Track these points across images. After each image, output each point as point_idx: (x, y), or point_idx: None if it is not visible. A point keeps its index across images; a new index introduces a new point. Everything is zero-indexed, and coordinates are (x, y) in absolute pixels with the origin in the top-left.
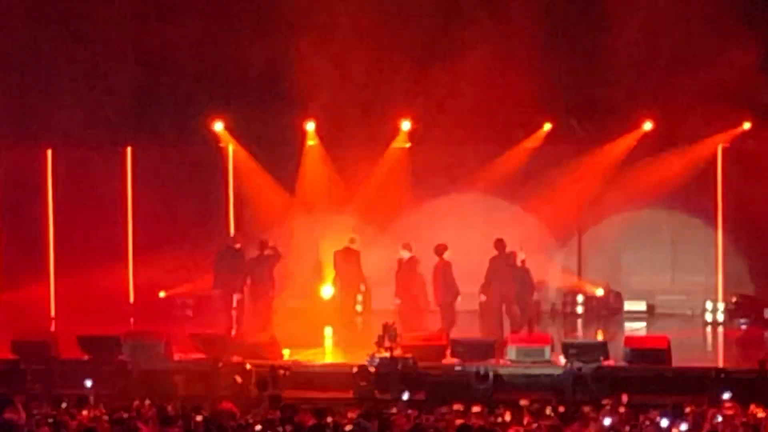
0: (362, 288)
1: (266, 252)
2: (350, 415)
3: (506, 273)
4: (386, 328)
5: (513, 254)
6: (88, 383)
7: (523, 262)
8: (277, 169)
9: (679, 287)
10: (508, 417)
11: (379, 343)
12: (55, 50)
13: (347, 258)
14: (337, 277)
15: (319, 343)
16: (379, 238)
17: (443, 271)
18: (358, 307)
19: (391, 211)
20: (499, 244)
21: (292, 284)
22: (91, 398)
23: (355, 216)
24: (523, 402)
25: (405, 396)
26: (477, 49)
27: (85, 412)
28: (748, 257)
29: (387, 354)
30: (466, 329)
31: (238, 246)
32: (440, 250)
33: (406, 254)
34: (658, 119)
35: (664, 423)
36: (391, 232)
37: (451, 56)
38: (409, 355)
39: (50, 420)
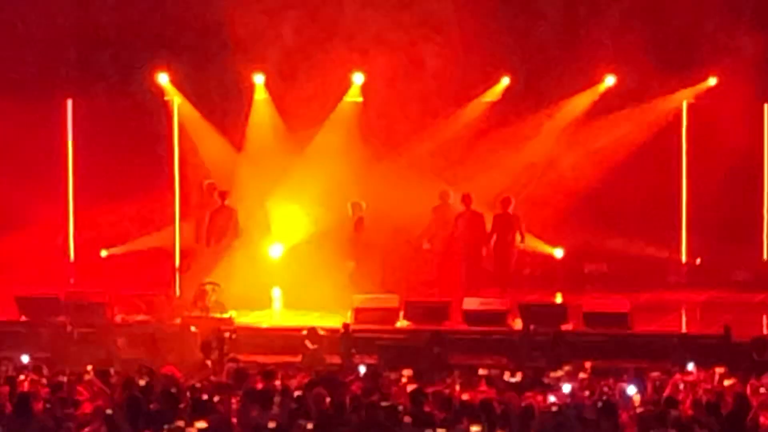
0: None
1: (227, 203)
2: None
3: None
4: (200, 287)
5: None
6: (25, 358)
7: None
8: (225, 124)
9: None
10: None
11: (194, 303)
12: None
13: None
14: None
15: (266, 304)
16: (329, 195)
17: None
18: None
19: (343, 167)
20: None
21: (238, 242)
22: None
23: (303, 172)
24: (481, 371)
25: (356, 361)
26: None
27: (22, 377)
28: (713, 218)
29: (200, 314)
30: None
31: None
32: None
33: (354, 214)
34: (620, 74)
35: (631, 390)
36: (343, 188)
37: (407, 7)
38: (226, 315)
39: None
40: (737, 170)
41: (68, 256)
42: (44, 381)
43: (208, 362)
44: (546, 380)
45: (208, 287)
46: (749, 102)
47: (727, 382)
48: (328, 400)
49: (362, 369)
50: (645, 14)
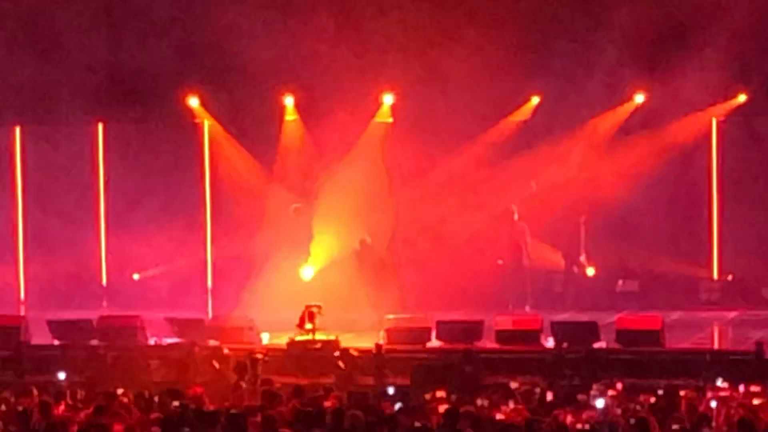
0: None
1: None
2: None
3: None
4: (308, 309)
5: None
6: (62, 375)
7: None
8: (255, 145)
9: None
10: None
11: (300, 325)
12: (21, 21)
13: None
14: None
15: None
16: (360, 216)
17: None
18: None
19: (373, 188)
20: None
21: (270, 264)
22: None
23: (334, 193)
24: (513, 385)
25: (389, 381)
26: (462, 22)
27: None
28: (744, 235)
29: (308, 336)
30: None
31: None
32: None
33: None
34: (650, 91)
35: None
36: (373, 209)
37: (435, 28)
38: (332, 336)
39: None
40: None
41: (101, 280)
42: (79, 405)
43: (243, 384)
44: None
45: (314, 309)
46: None
47: (756, 401)
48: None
49: (390, 390)
50: (674, 33)
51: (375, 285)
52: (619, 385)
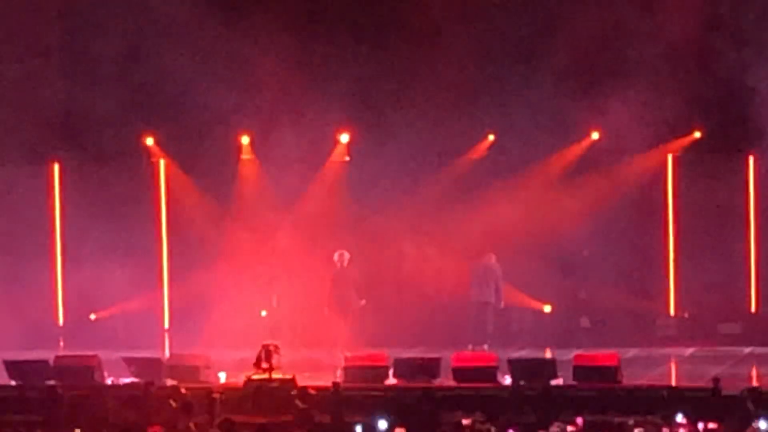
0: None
1: (347, 264)
2: None
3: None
4: (266, 348)
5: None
6: None
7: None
8: (212, 184)
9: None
10: None
11: (257, 364)
12: None
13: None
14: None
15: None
16: (317, 252)
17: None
18: None
19: (330, 226)
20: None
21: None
22: None
23: (293, 231)
24: (465, 422)
25: (347, 419)
26: (418, 60)
27: None
28: (700, 271)
29: (265, 375)
30: None
31: None
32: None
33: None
34: (605, 129)
35: None
36: (331, 246)
37: (391, 67)
38: (289, 375)
39: None
40: (723, 222)
41: (57, 320)
42: None
43: (191, 425)
44: None
45: (272, 347)
46: (733, 154)
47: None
48: None
49: (359, 429)
50: (629, 70)
51: (343, 306)
52: (579, 421)
